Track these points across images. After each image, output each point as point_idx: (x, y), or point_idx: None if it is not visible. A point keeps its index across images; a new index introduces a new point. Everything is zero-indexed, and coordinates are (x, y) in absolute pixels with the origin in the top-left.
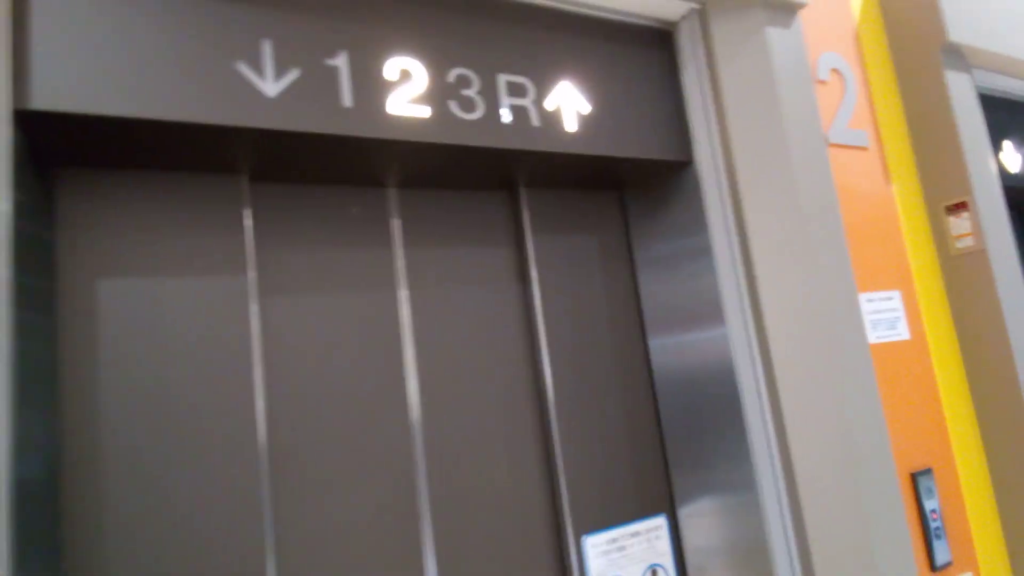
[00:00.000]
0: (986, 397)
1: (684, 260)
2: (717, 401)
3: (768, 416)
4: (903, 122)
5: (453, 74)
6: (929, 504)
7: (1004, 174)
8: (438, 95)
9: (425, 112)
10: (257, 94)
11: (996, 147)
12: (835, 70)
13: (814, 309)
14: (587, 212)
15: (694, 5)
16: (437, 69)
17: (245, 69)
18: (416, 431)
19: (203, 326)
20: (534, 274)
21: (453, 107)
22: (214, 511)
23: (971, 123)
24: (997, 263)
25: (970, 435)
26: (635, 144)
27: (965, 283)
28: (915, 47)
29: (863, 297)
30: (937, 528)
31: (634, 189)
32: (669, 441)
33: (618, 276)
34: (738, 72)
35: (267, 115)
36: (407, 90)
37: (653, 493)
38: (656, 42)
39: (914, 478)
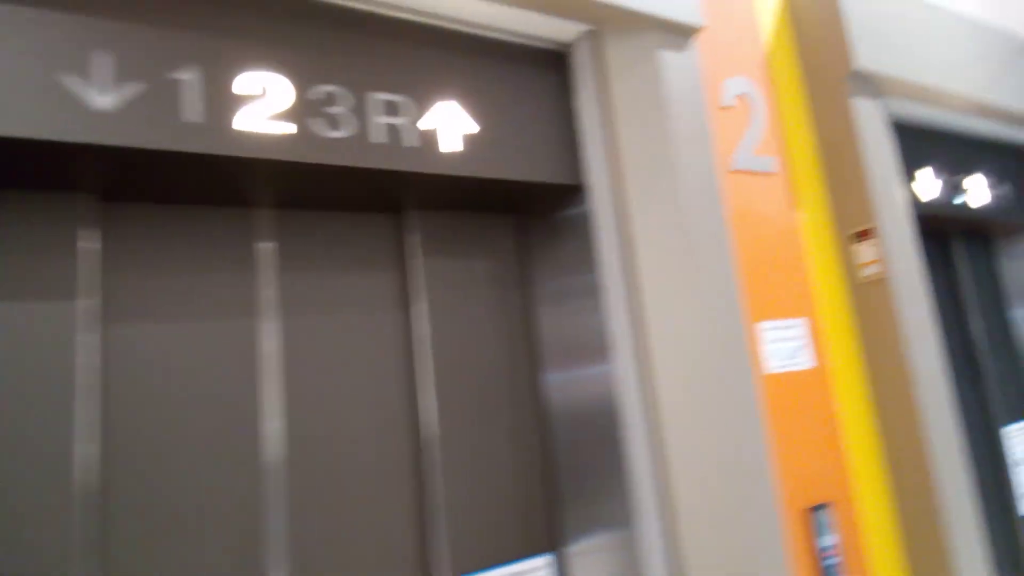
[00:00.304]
0: (890, 428)
1: (576, 288)
2: (604, 436)
3: (650, 452)
4: (813, 149)
5: (319, 91)
6: (825, 540)
7: (921, 202)
8: (301, 112)
9: (286, 129)
10: (84, 108)
11: (912, 174)
12: (742, 95)
13: (700, 341)
14: (481, 236)
15: (587, 27)
16: (300, 85)
17: (71, 81)
18: (272, 472)
19: (27, 356)
20: (419, 300)
21: (317, 125)
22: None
23: (880, 150)
24: (901, 291)
25: (873, 467)
26: (525, 167)
27: (870, 311)
28: (824, 73)
29: (764, 325)
30: (832, 565)
31: (531, 214)
32: (560, 477)
33: (513, 304)
34: (630, 95)
35: (98, 130)
36: (264, 106)
37: (540, 531)
38: (551, 64)
39: (810, 513)
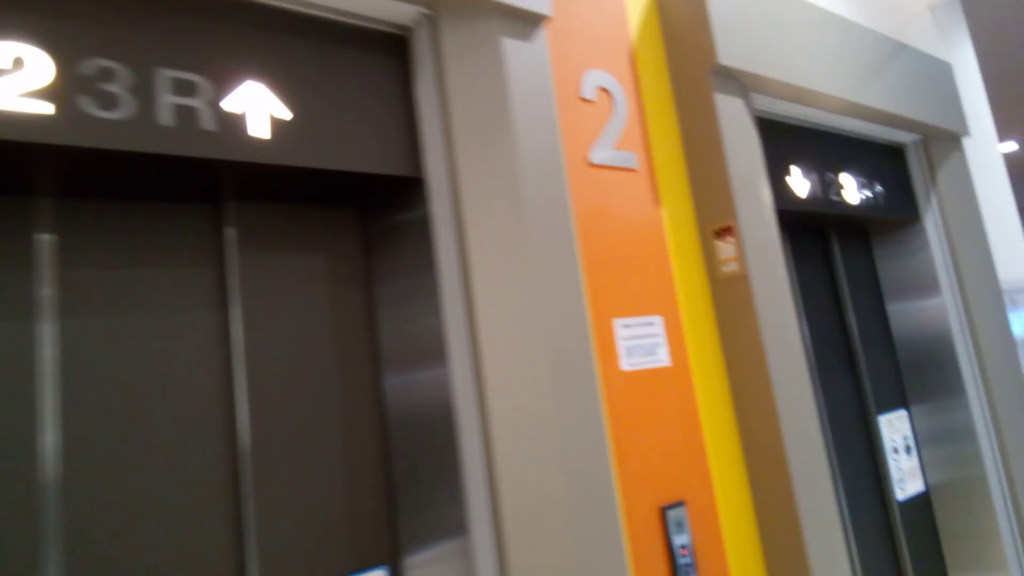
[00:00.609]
0: (748, 424)
1: (416, 288)
2: (441, 443)
3: (482, 458)
4: (679, 145)
5: (91, 65)
6: (679, 539)
7: (792, 199)
8: (65, 89)
9: (45, 108)
10: None
11: (782, 171)
12: (603, 88)
13: (537, 342)
14: (316, 231)
15: (424, 10)
16: (65, 59)
17: None
18: (48, 490)
19: None
20: (236, 299)
21: (87, 104)
22: None
23: (743, 147)
24: (761, 288)
25: (732, 464)
26: (356, 157)
27: (730, 308)
28: (689, 69)
29: (619, 323)
30: (686, 564)
31: (374, 208)
32: (398, 486)
33: (352, 305)
34: (468, 83)
35: None
36: (17, 82)
37: (375, 543)
38: (390, 48)
39: (663, 512)
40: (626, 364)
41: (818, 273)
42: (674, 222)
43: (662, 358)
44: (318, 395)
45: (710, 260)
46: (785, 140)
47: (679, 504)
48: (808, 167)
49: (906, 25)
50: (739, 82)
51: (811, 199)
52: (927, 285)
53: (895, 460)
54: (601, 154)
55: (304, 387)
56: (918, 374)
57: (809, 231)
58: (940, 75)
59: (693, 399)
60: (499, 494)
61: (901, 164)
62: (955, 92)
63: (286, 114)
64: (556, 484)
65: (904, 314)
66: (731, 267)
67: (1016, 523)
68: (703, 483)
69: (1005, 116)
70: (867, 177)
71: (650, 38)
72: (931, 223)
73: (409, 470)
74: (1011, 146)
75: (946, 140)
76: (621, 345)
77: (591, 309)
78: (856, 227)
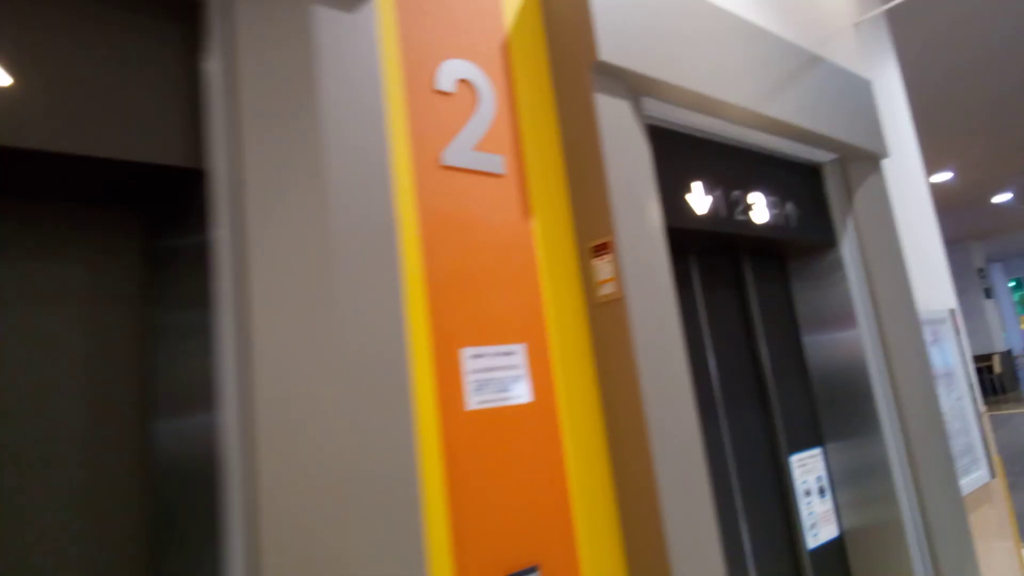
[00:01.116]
0: (623, 472)
1: (188, 308)
2: (205, 509)
3: (246, 529)
4: (558, 150)
5: None
6: None
7: (691, 217)
8: None
9: None
10: None
11: (680, 186)
12: (466, 81)
13: (332, 383)
14: (83, 236)
15: None
16: None
17: None
18: None
19: None
20: None
21: None
22: None
23: (628, 155)
24: (641, 314)
25: (603, 520)
26: (110, 140)
27: (606, 336)
28: (569, 64)
29: (468, 353)
30: None
31: (156, 210)
32: (161, 544)
33: (125, 331)
34: (265, 58)
35: None
36: None
37: None
38: (178, 14)
39: None
40: (473, 402)
41: (728, 299)
42: (547, 236)
43: (521, 394)
44: (61, 442)
45: (588, 281)
46: (685, 152)
47: (531, 570)
48: (711, 183)
49: (828, 40)
50: (625, 83)
51: (713, 217)
52: (843, 315)
53: (807, 503)
54: (457, 155)
55: (45, 431)
56: (834, 410)
57: (719, 253)
58: (859, 92)
59: (559, 442)
60: (265, 570)
61: (817, 185)
62: (874, 111)
63: (5, 82)
64: (350, 560)
65: (819, 346)
66: (608, 289)
67: (932, 569)
68: (564, 543)
69: (940, 144)
70: (779, 196)
71: (530, 28)
72: (848, 249)
73: (172, 537)
74: (946, 175)
75: (864, 160)
76: (469, 380)
77: (431, 337)
78: (770, 251)
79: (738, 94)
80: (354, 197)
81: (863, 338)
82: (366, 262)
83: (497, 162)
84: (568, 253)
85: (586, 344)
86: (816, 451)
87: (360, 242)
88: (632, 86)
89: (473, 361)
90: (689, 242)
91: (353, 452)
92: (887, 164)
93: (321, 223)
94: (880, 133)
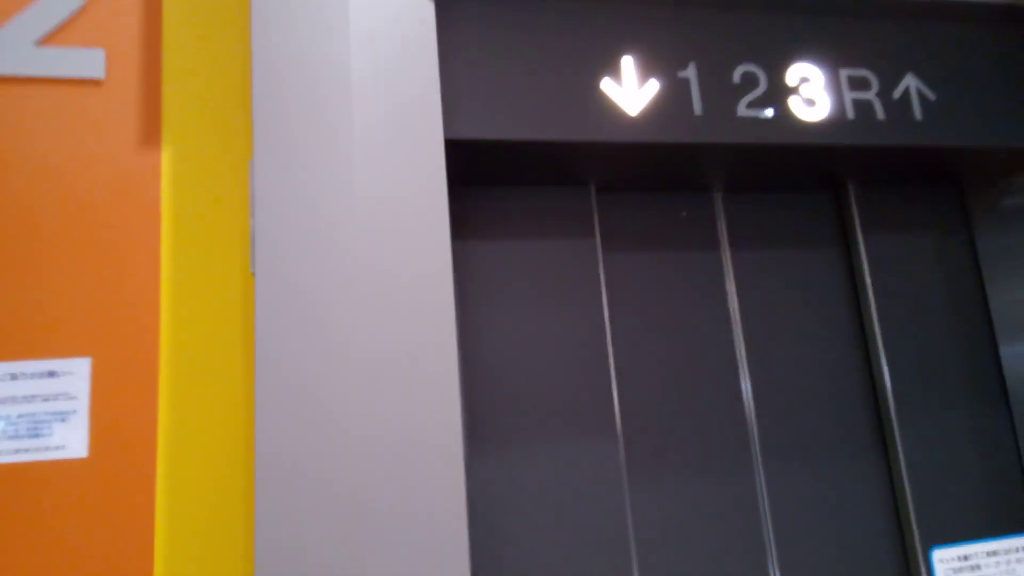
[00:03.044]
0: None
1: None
2: None
3: None
4: (230, 29)
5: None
6: None
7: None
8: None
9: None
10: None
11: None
12: None
13: None
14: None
15: None
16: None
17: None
18: None
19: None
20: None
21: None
22: None
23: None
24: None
25: None
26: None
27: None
28: None
29: None
30: None
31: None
32: None
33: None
34: None
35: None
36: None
37: None
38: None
39: None
40: None
41: (812, 272)
42: (187, 177)
43: (71, 442)
44: None
45: (241, 252)
46: None
47: None
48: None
49: None
50: None
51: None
52: None
53: None
54: (19, 55)
55: None
56: None
57: (806, 185)
58: None
59: (147, 524)
60: None
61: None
62: None
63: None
64: None
65: None
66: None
67: None
68: None
69: None
70: (939, 70)
71: None
72: None
73: None
74: None
75: None
76: None
77: None
78: (929, 174)
79: None
80: None
81: None
82: None
83: (93, 61)
84: (233, 201)
85: (242, 347)
86: (985, 545)
87: None
88: None
89: None
90: (715, 162)
91: None
92: None
93: None
94: None
